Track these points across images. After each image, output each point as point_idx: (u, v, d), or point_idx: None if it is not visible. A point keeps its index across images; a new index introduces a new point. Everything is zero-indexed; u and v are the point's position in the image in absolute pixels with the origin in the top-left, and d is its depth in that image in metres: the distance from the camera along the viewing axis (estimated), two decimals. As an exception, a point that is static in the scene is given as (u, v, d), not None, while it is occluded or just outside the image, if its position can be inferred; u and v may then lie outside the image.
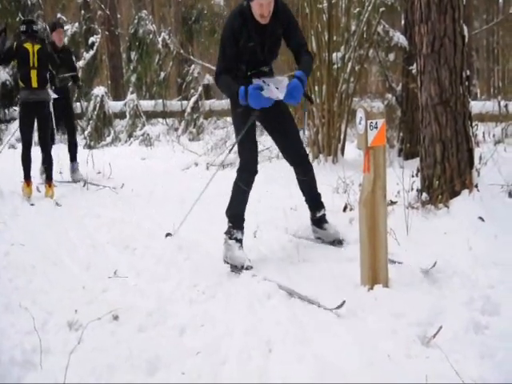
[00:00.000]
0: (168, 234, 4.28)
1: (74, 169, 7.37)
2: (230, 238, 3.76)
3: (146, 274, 3.65)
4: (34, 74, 5.99)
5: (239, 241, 3.77)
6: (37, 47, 6.07)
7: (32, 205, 5.80)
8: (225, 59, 3.67)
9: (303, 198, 4.13)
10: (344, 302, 2.83)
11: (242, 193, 3.79)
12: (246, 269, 3.55)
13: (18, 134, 6.65)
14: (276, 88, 3.59)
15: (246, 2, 3.59)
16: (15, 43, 6.17)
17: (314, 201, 4.09)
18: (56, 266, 3.86)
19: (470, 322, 2.62)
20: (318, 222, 4.10)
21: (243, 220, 3.86)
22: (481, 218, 3.89)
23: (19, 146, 10.57)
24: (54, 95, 6.56)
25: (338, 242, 4.00)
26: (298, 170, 4.03)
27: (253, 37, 3.61)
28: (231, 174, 3.92)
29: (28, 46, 6.05)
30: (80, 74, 11.92)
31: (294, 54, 3.85)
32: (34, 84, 6.01)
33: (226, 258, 3.72)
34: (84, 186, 6.62)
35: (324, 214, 4.10)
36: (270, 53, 3.77)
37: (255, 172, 3.80)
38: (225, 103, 10.64)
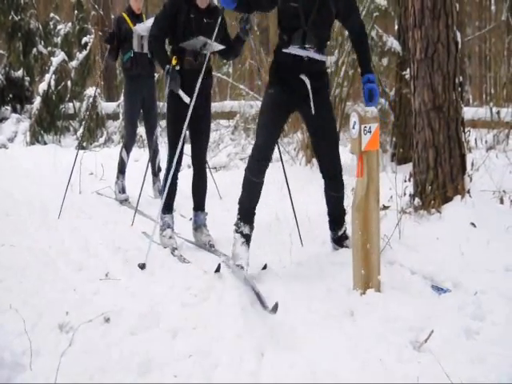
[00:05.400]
0: (142, 266, 3.78)
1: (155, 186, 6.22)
2: (236, 231, 3.62)
3: (139, 277, 3.63)
4: None
5: (245, 236, 3.58)
6: None
7: None
8: None
9: (326, 212, 3.86)
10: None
11: (252, 184, 3.53)
12: (239, 266, 3.46)
13: None
14: None
15: None
16: None
17: (338, 218, 3.83)
18: (47, 268, 3.83)
19: (461, 327, 2.63)
20: (339, 240, 3.85)
21: (253, 214, 3.63)
22: (473, 223, 3.90)
23: (11, 145, 10.64)
24: None
25: None
26: (330, 185, 3.76)
27: None
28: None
29: None
30: (73, 74, 11.85)
31: None
32: None
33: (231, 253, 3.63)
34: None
35: (345, 232, 3.83)
36: None
37: (264, 160, 3.52)
38: (218, 106, 10.59)
